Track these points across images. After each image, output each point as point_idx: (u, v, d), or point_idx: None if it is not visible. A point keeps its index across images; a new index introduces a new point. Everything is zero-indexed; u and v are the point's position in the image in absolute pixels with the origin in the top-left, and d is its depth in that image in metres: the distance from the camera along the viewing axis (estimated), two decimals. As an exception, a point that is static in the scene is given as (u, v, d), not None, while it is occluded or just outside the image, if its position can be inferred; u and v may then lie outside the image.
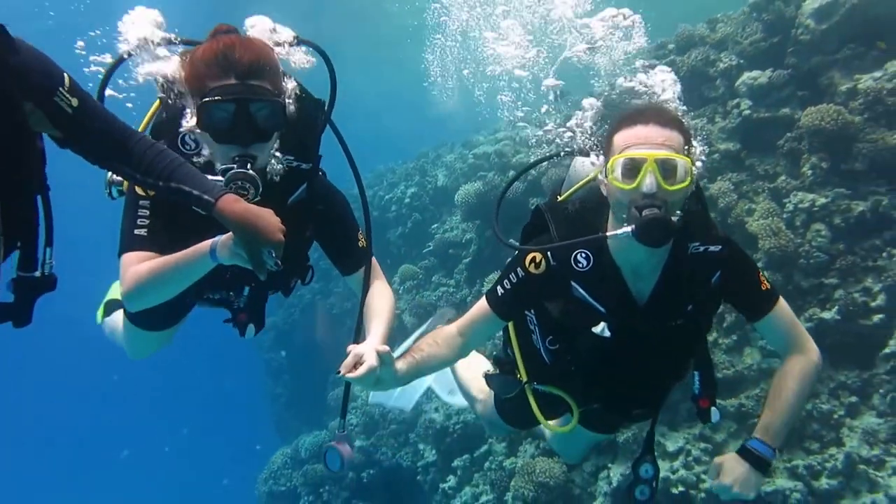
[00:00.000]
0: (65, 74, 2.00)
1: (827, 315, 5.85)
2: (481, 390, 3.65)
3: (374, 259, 2.97)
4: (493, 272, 8.78)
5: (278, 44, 2.61)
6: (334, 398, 10.97)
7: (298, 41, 2.66)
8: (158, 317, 3.11)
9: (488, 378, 3.20)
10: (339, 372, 2.29)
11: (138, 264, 2.45)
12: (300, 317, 14.02)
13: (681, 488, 5.93)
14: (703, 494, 5.86)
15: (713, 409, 2.80)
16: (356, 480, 9.43)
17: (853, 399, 5.72)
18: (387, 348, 2.39)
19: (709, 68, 7.94)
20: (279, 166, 2.56)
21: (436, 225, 11.24)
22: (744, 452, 2.67)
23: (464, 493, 7.78)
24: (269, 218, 2.21)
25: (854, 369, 5.85)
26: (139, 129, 2.59)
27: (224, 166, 2.40)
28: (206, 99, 2.33)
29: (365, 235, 2.96)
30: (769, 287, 2.73)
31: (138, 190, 2.51)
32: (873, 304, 5.76)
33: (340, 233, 2.92)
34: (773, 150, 7.10)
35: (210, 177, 2.28)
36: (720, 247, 2.58)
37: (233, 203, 2.16)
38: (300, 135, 2.63)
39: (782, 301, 2.74)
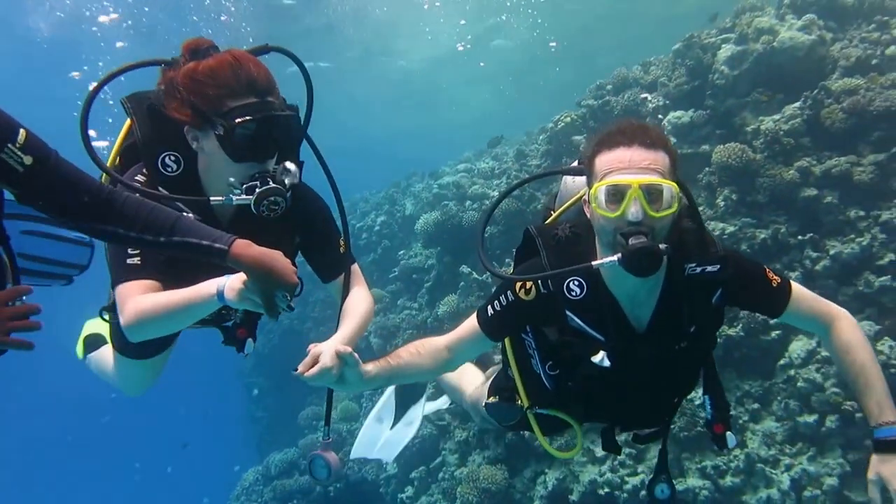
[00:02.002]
0: (20, 130, 1.92)
1: (733, 332, 6.53)
2: (471, 383, 3.54)
3: (355, 265, 2.94)
4: (451, 294, 9.46)
5: (255, 51, 2.57)
6: (305, 417, 11.55)
7: (272, 49, 2.62)
8: (147, 344, 3.01)
9: (488, 407, 3.07)
10: (296, 370, 2.23)
11: (139, 295, 2.38)
12: (279, 341, 14.55)
13: (606, 489, 6.58)
14: (625, 495, 6.51)
15: (728, 433, 2.70)
16: (324, 494, 9.99)
17: (755, 406, 6.41)
18: (348, 349, 2.28)
19: (640, 108, 8.72)
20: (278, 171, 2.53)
21: (402, 251, 11.91)
22: (885, 446, 2.37)
23: (420, 503, 8.39)
24: (283, 260, 2.19)
25: (757, 379, 6.54)
26: (112, 152, 2.68)
27: (247, 185, 2.39)
28: (239, 120, 2.30)
29: (344, 240, 2.90)
30: (780, 280, 2.58)
31: None
32: (772, 321, 6.46)
33: (324, 238, 2.85)
34: (695, 184, 7.84)
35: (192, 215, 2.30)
36: (718, 266, 2.43)
37: (246, 248, 2.14)
38: None
39: (795, 286, 2.61)
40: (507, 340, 2.93)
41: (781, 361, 6.33)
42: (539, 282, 2.52)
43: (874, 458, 2.38)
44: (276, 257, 2.17)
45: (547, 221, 2.87)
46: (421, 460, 8.74)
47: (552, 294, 2.50)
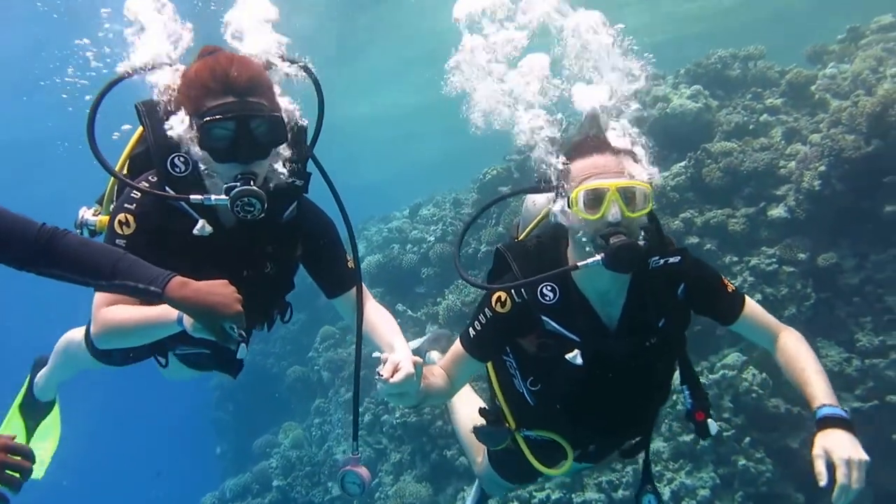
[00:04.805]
0: None
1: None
2: (479, 449, 3.56)
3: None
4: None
5: (270, 64, 2.55)
6: (259, 445, 12.22)
7: (289, 61, 2.59)
8: (118, 355, 3.01)
9: (476, 431, 3.04)
10: (379, 375, 2.23)
11: (107, 307, 2.43)
12: (242, 376, 15.02)
13: (515, 503, 7.39)
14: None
15: (710, 421, 2.76)
16: (275, 516, 10.68)
17: (646, 427, 7.28)
18: (420, 360, 2.36)
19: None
20: (280, 179, 2.52)
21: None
22: (824, 422, 2.36)
23: (358, 521, 9.13)
24: (223, 292, 2.15)
25: (649, 404, 7.43)
26: (121, 159, 2.70)
27: (227, 185, 2.36)
28: (208, 118, 2.28)
29: (352, 257, 2.90)
30: (734, 288, 2.73)
31: (116, 229, 2.47)
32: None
33: (330, 252, 2.85)
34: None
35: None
36: (679, 258, 2.53)
37: (180, 288, 2.11)
38: (293, 151, 2.58)
39: (748, 298, 2.76)
40: (490, 367, 2.98)
41: (668, 387, 7.22)
42: (513, 293, 2.61)
43: (818, 435, 2.34)
44: (214, 292, 2.13)
45: (517, 240, 2.92)
46: (360, 482, 9.49)
47: (527, 302, 2.59)
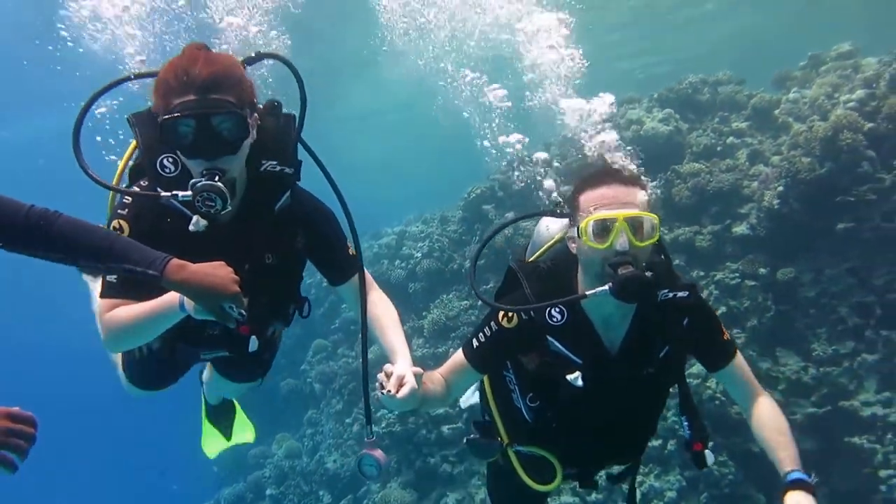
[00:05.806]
0: None
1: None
2: None
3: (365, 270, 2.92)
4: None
5: (249, 59, 2.59)
6: (252, 456, 12.56)
7: (265, 56, 2.63)
8: (153, 376, 3.11)
9: (469, 443, 3.08)
10: (386, 391, 2.28)
11: (109, 312, 2.45)
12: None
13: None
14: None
15: (707, 451, 2.79)
16: (267, 521, 11.03)
17: (618, 434, 7.69)
18: (421, 371, 2.42)
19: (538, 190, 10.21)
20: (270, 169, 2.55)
21: (345, 305, 13.12)
22: (800, 485, 2.50)
23: (346, 528, 9.50)
24: (220, 273, 2.18)
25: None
26: (118, 170, 2.73)
27: (193, 180, 2.35)
28: (166, 117, 2.30)
29: (353, 244, 2.89)
30: (729, 338, 2.76)
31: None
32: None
33: (329, 240, 2.84)
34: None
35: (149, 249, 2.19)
36: (687, 293, 2.57)
37: (178, 271, 2.13)
38: (281, 140, 2.60)
39: (739, 352, 2.79)
40: (486, 380, 3.03)
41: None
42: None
43: (792, 493, 2.48)
44: (211, 273, 2.17)
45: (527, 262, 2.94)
46: (350, 489, 9.87)
47: (533, 321, 2.64)
